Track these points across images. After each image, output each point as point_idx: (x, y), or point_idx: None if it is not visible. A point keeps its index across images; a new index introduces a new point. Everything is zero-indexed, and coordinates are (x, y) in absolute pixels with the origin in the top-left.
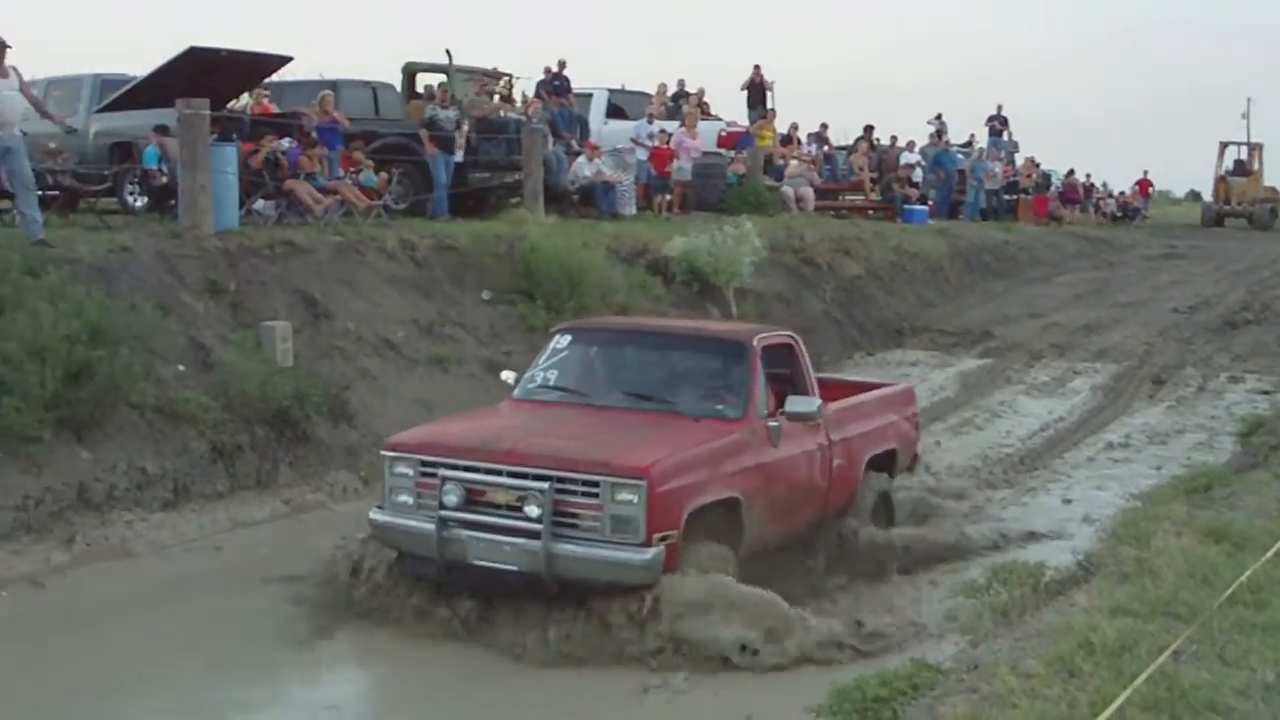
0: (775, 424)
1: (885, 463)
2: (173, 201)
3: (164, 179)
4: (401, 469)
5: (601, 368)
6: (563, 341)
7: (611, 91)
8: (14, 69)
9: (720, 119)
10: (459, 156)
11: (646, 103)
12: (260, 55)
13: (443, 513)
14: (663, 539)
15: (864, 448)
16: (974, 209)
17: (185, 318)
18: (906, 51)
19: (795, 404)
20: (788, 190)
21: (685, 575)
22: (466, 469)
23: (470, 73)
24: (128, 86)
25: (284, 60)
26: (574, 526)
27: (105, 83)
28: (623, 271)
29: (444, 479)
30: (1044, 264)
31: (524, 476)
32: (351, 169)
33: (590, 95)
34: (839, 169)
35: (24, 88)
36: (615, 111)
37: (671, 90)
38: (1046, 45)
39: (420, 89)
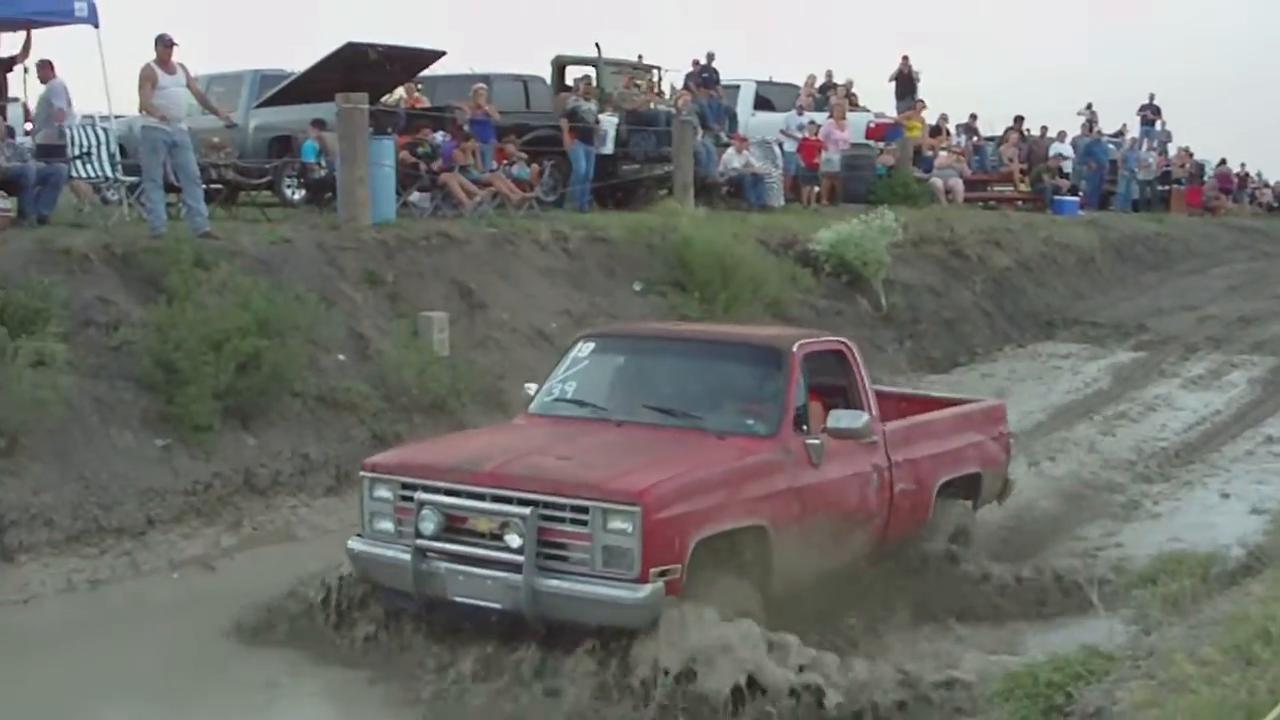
0: (816, 442)
1: (967, 489)
2: (330, 194)
3: (322, 172)
4: (381, 492)
5: (624, 379)
6: (584, 350)
7: (759, 83)
8: (181, 65)
9: (869, 110)
10: (609, 148)
11: (794, 94)
12: (414, 50)
13: (419, 542)
14: (662, 574)
15: (936, 471)
16: (1125, 200)
17: (345, 308)
18: (1058, 40)
19: (840, 419)
20: (937, 182)
21: (689, 615)
22: (445, 492)
23: (619, 65)
24: (285, 82)
25: (437, 55)
26: (562, 559)
27: (264, 78)
28: (773, 263)
29: (420, 504)
30: (1198, 255)
31: (507, 501)
32: (504, 161)
33: (738, 87)
34: (988, 160)
35: (190, 83)
36: (763, 103)
37: (819, 82)
38: (1201, 33)
39: (570, 82)
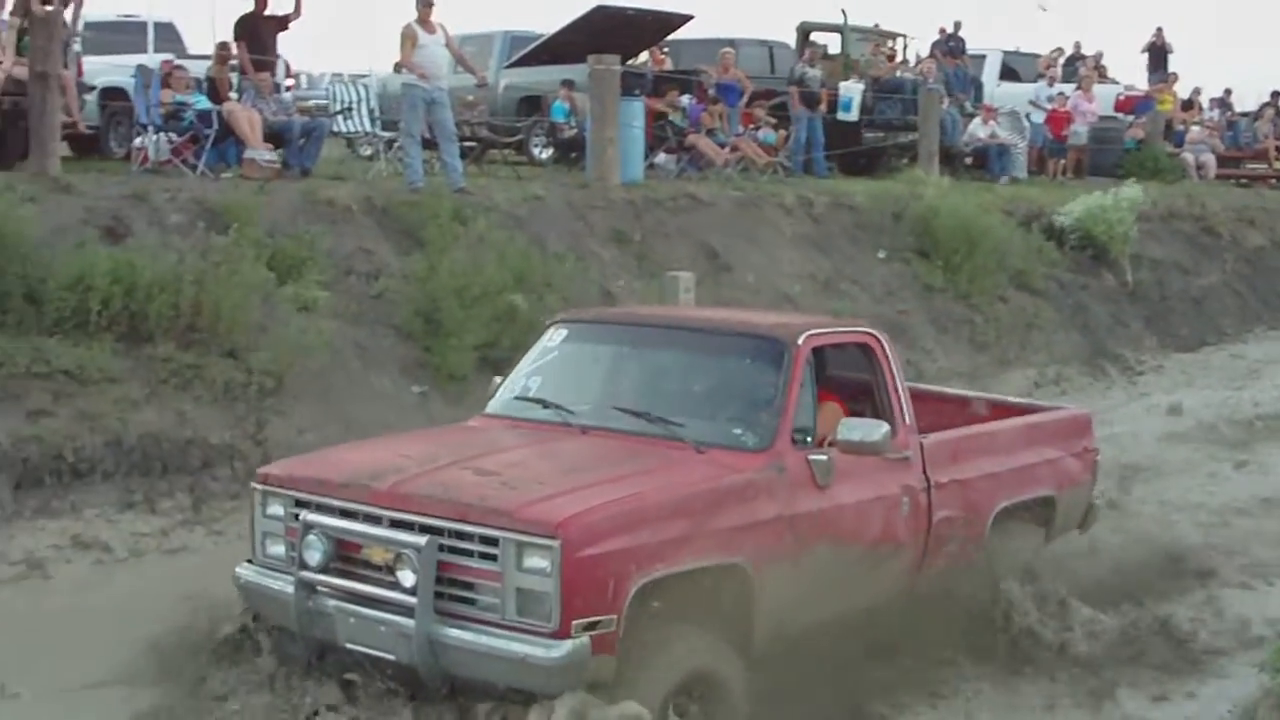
0: (822, 458)
1: (1039, 515)
2: (577, 154)
3: (571, 132)
4: (274, 509)
5: (599, 375)
6: (555, 337)
7: (1005, 53)
8: (440, 25)
9: (1118, 82)
10: (853, 115)
11: (1040, 65)
12: (663, 14)
13: (303, 574)
14: (589, 626)
15: (994, 493)
16: None
17: (593, 265)
18: None
19: (851, 429)
20: (1188, 157)
21: (627, 682)
22: (336, 513)
23: (864, 32)
24: (535, 44)
25: (685, 19)
26: (469, 602)
27: (514, 39)
28: (1018, 235)
29: (306, 526)
30: None
31: (408, 527)
32: (750, 126)
33: (984, 57)
34: (1242, 136)
35: (449, 42)
36: (1008, 73)
37: (1068, 53)
38: None
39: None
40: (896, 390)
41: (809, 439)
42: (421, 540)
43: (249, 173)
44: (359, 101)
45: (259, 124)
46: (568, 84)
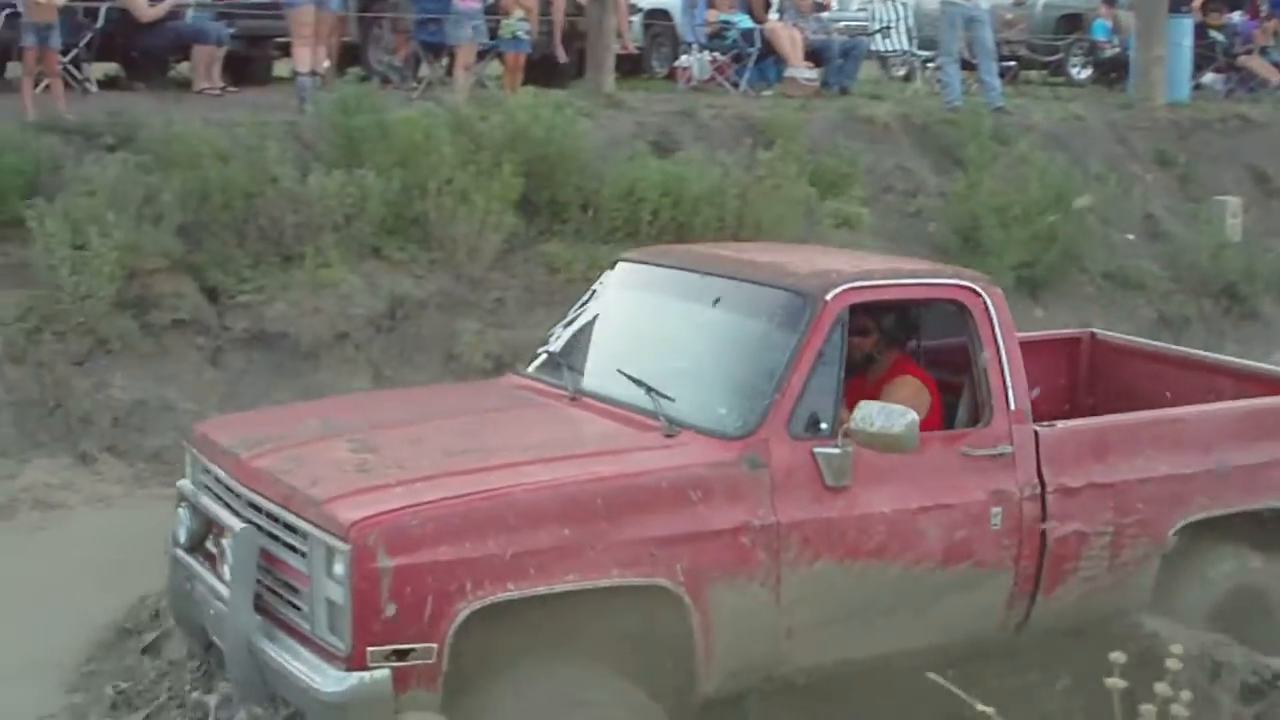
0: (832, 451)
1: (1254, 534)
2: (1114, 74)
3: (1113, 50)
4: (193, 472)
5: (628, 327)
6: (610, 279)
7: None
8: None
9: None
10: None
11: None
12: None
13: (175, 551)
14: (396, 655)
15: (1171, 503)
16: None
17: (1134, 188)
18: None
19: (866, 416)
20: None
21: None
22: (209, 483)
23: None
24: None
25: None
26: (295, 608)
27: None
28: None
29: (179, 496)
30: None
31: (256, 509)
32: None
33: None
34: None
35: None
36: None
37: None
38: None
39: None
40: (999, 364)
41: (823, 426)
42: (237, 525)
43: (789, 91)
44: (897, 20)
45: (800, 43)
46: (1109, 1)
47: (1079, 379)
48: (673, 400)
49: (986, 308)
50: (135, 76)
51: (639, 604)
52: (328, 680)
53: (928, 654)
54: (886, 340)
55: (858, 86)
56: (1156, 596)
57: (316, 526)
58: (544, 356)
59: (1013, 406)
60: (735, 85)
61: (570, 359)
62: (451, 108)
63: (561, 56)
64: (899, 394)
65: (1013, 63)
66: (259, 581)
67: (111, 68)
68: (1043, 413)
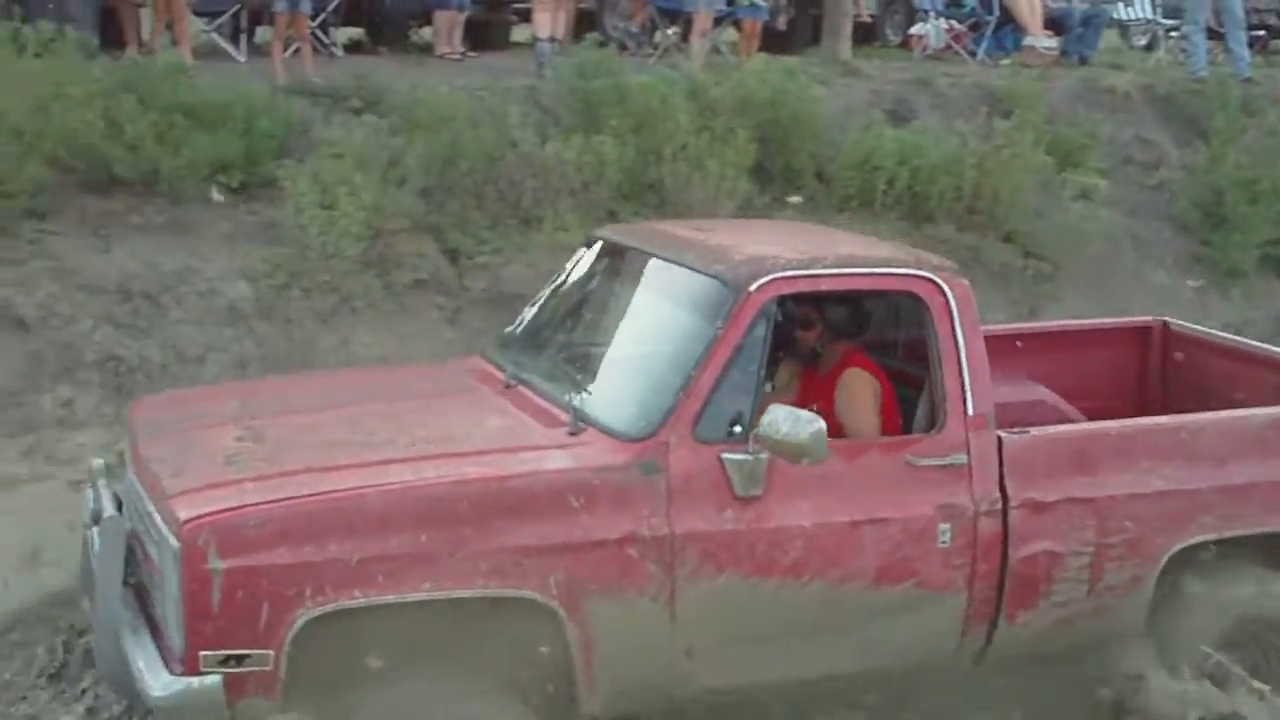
0: (741, 458)
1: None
2: None
3: None
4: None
5: (578, 311)
6: (583, 258)
7: None
8: None
9: None
10: None
11: None
12: None
13: (84, 528)
14: (231, 660)
15: (1174, 522)
16: None
17: None
18: None
19: (773, 421)
20: None
21: None
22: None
23: None
24: None
25: None
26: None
27: None
28: None
29: (90, 472)
30: None
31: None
32: None
33: None
34: None
35: None
36: None
37: None
38: None
39: None
40: (957, 363)
41: (737, 429)
42: (108, 511)
43: (1028, 60)
44: None
45: (1039, 10)
46: None
47: (1148, 374)
48: (589, 394)
49: (946, 301)
50: (378, 41)
51: (512, 616)
52: (159, 683)
53: (866, 679)
54: (834, 333)
55: (1098, 56)
56: (1153, 624)
57: (163, 521)
58: (502, 336)
59: (971, 411)
60: (972, 54)
61: (519, 341)
62: (688, 73)
63: (781, 25)
64: (847, 390)
65: (1262, 31)
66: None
67: (356, 32)
68: (1098, 410)
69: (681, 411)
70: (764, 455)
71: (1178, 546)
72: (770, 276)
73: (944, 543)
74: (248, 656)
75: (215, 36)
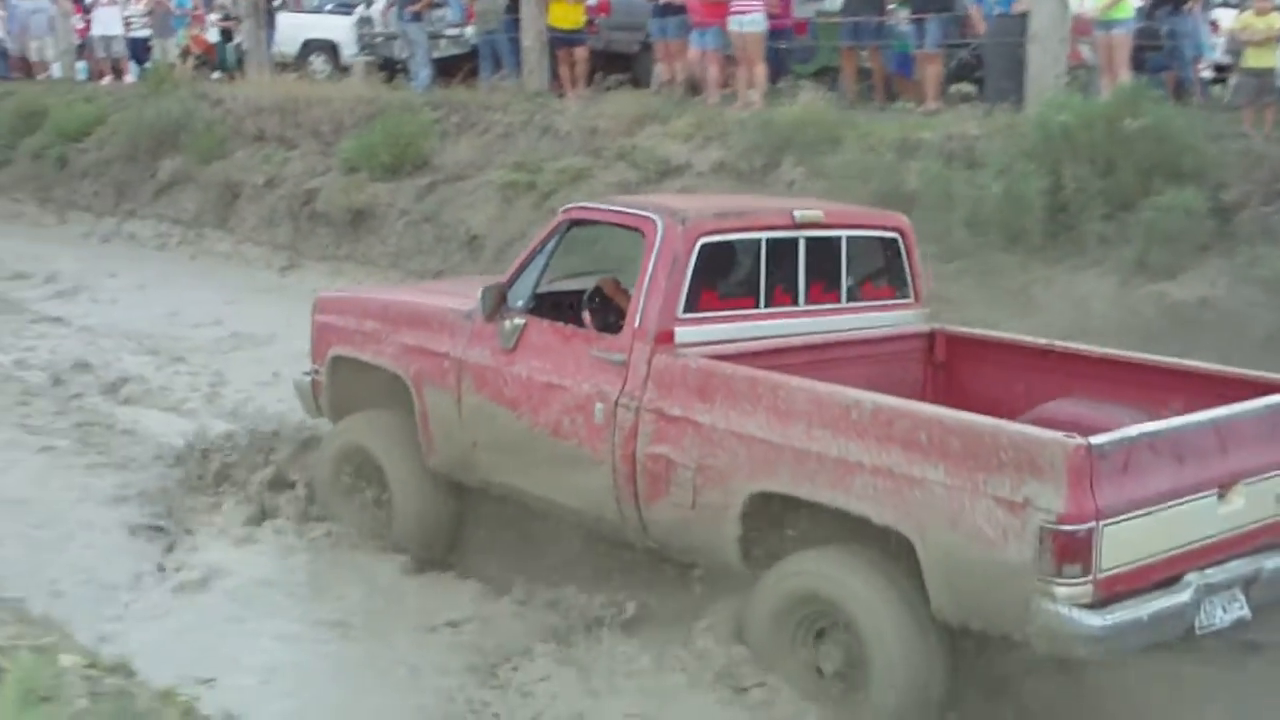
0: (505, 323)
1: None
2: None
3: None
4: None
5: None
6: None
7: None
8: None
9: None
10: None
11: None
12: None
13: None
14: None
15: (747, 466)
16: None
17: None
18: None
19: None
20: None
21: None
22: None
23: None
24: None
25: None
26: None
27: None
28: None
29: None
30: None
31: None
32: None
33: None
34: None
35: None
36: None
37: None
38: None
39: None
40: (643, 285)
41: (519, 304)
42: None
43: None
44: None
45: None
46: None
47: (927, 375)
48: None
49: (655, 238)
50: None
51: (385, 381)
52: None
53: (556, 509)
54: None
55: None
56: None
57: None
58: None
59: (638, 325)
60: None
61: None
62: None
63: None
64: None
65: None
66: None
67: None
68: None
69: (511, 289)
70: (521, 323)
71: (752, 490)
72: (574, 206)
73: (597, 419)
74: None
75: None
